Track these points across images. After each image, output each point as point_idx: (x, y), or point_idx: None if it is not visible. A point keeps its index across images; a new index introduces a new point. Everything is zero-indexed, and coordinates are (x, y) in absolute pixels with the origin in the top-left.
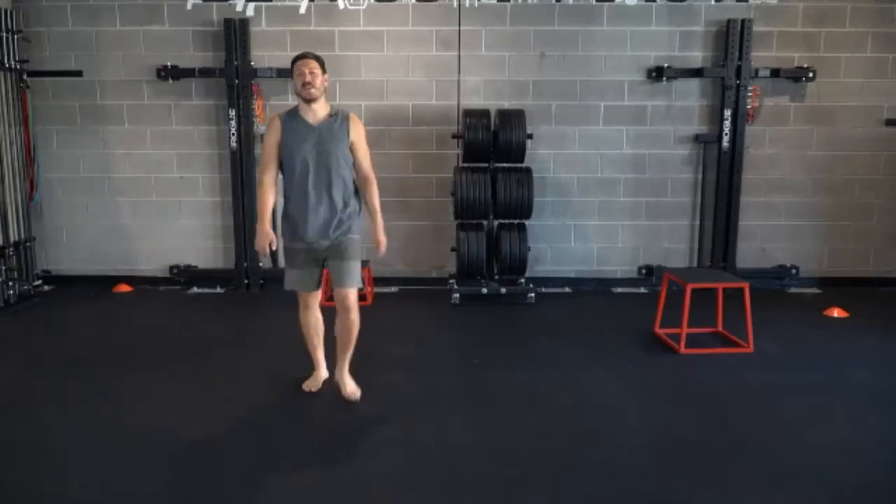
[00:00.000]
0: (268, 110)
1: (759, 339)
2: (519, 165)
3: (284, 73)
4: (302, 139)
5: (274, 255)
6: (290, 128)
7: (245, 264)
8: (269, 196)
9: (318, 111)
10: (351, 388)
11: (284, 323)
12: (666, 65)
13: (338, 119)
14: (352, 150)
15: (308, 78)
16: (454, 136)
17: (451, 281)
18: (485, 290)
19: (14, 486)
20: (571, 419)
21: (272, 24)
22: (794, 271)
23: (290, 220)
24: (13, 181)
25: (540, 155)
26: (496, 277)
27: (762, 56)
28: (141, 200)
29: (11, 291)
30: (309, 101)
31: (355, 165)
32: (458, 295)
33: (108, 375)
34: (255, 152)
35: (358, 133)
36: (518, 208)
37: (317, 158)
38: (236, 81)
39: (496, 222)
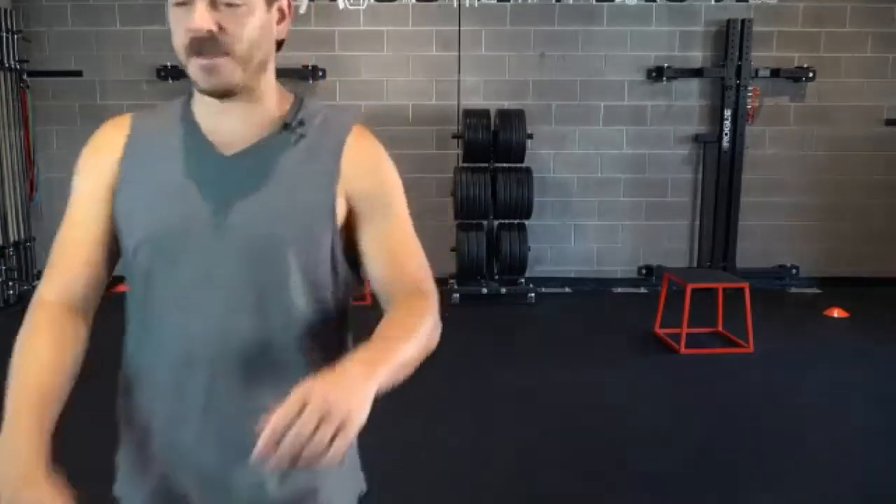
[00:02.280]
0: None
1: (759, 339)
2: (519, 165)
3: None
4: (178, 196)
5: None
6: (146, 158)
7: None
8: (36, 367)
9: (250, 113)
10: None
11: None
12: (666, 65)
13: (305, 133)
14: (351, 226)
15: (199, 23)
16: (454, 136)
17: (451, 281)
18: (485, 290)
19: None
20: (571, 419)
21: None
22: (794, 271)
23: (146, 436)
24: (13, 182)
25: (540, 155)
26: (496, 277)
27: (762, 56)
28: None
29: (11, 291)
30: (215, 93)
31: (370, 272)
32: (458, 295)
33: (107, 375)
34: None
35: (371, 174)
36: (518, 208)
37: (224, 257)
38: None
39: (496, 222)
